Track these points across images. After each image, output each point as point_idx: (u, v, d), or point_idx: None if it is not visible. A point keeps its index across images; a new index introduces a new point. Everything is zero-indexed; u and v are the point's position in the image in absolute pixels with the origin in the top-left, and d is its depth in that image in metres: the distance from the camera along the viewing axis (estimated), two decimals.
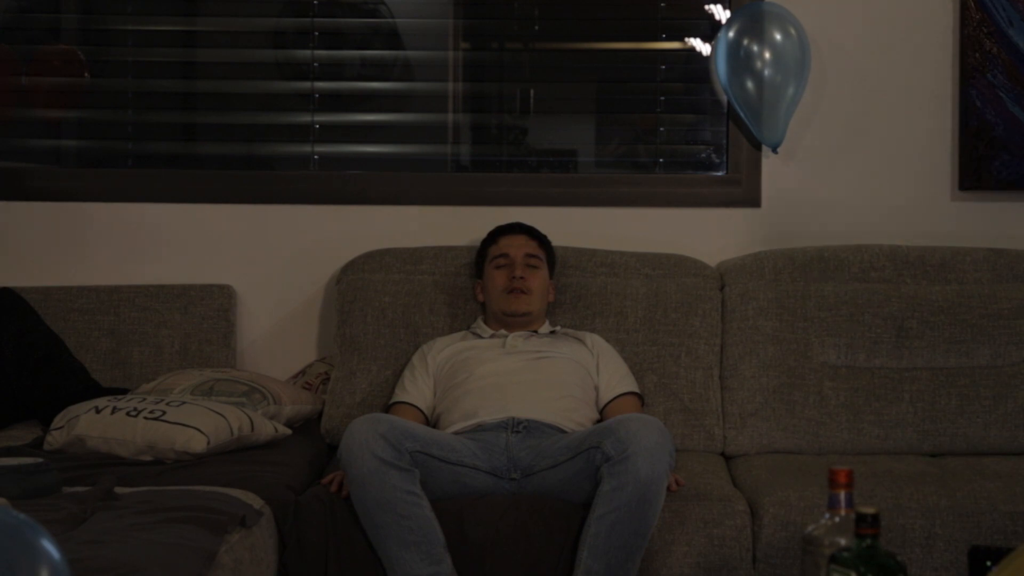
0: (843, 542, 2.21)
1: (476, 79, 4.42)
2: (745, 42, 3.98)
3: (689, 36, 4.30)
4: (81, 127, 4.46)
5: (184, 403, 3.46)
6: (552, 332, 3.75)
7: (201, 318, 4.03)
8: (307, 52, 4.29)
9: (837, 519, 2.26)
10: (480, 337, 3.73)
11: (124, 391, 3.76)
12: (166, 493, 2.99)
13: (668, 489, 3.13)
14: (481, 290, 3.83)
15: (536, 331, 3.74)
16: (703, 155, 4.28)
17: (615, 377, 3.66)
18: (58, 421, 3.45)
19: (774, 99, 3.98)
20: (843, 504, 2.26)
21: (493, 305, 3.75)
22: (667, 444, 3.09)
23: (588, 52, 4.51)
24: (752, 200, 4.13)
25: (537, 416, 3.44)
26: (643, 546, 3.07)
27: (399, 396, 3.66)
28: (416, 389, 3.65)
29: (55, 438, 3.41)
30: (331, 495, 3.20)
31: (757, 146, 4.11)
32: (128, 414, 3.37)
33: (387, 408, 3.64)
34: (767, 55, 3.97)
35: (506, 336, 3.70)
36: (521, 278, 3.71)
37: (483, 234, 3.87)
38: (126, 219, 4.19)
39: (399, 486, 3.06)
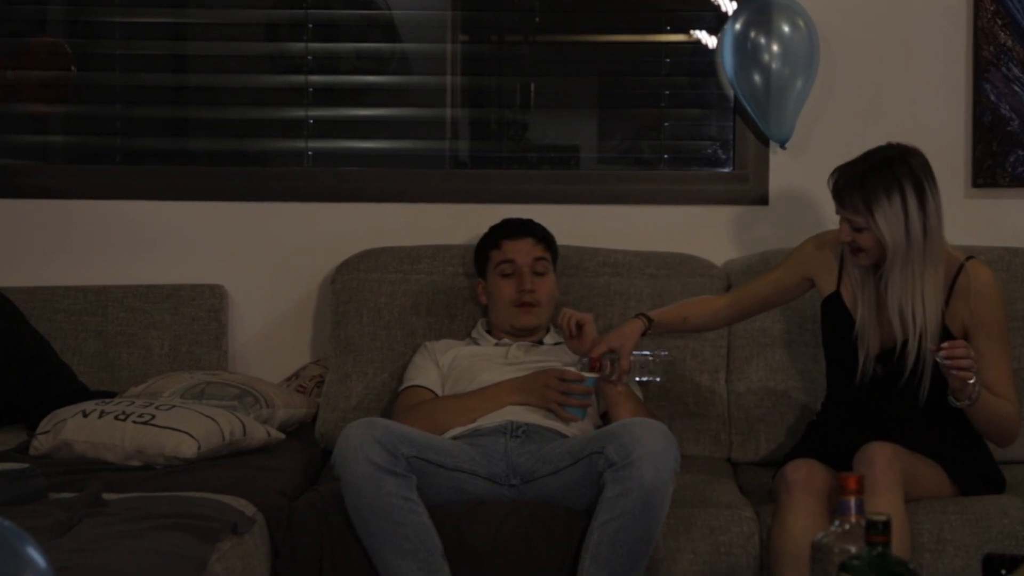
0: (853, 549, 2.19)
1: (475, 73, 4.42)
2: (752, 34, 3.96)
3: (694, 28, 4.29)
4: (68, 122, 4.45)
5: (174, 407, 3.45)
6: (557, 344, 3.70)
7: (191, 319, 4.02)
8: (301, 45, 4.28)
9: (847, 526, 2.23)
10: (482, 346, 3.70)
11: (112, 394, 3.74)
12: (155, 499, 2.99)
13: None
14: (484, 292, 3.78)
15: (541, 341, 3.71)
16: (709, 151, 4.27)
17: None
18: (44, 425, 3.45)
19: (782, 93, 3.96)
20: (853, 511, 2.24)
21: (500, 316, 3.70)
22: (672, 449, 3.07)
23: (590, 45, 4.51)
24: (760, 197, 4.12)
25: (537, 420, 3.41)
26: (647, 553, 3.06)
27: (415, 380, 3.60)
28: (428, 376, 3.60)
29: (41, 443, 3.41)
30: (325, 501, 3.16)
31: (765, 142, 4.09)
32: (116, 418, 3.37)
33: (401, 393, 3.61)
34: (775, 48, 3.95)
35: (509, 346, 3.66)
36: (531, 291, 3.65)
37: (482, 232, 3.83)
38: (114, 217, 4.17)
39: (395, 492, 3.04)
